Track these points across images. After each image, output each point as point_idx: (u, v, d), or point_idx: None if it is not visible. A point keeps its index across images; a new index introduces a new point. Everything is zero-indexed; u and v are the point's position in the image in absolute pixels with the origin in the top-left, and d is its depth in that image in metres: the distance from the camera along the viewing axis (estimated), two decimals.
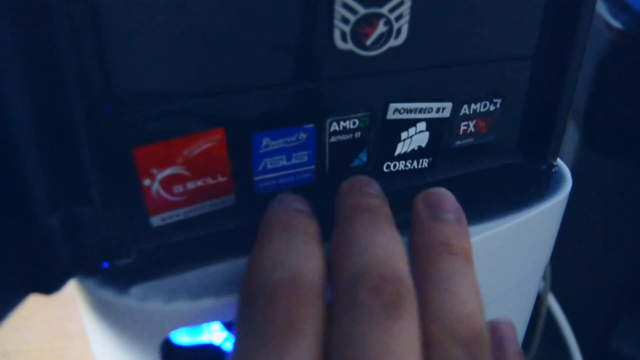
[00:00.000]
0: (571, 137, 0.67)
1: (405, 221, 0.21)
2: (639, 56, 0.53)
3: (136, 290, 0.19)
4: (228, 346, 0.21)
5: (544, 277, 0.53)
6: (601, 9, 0.58)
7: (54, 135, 0.17)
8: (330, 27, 0.20)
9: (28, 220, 0.17)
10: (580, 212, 0.69)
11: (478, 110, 0.25)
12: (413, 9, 0.21)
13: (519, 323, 0.32)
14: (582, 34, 0.25)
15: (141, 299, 0.18)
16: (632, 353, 0.68)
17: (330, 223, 0.19)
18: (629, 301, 0.65)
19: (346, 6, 0.19)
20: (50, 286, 0.18)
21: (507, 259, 0.25)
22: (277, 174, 0.22)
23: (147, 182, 0.19)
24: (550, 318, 0.57)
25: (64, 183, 0.17)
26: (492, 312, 0.27)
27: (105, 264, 0.19)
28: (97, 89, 0.17)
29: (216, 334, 0.21)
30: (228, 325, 0.21)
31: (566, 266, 0.72)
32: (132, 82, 0.17)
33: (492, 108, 0.25)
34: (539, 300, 0.53)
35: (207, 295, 0.19)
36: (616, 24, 0.54)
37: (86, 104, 0.17)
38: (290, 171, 0.22)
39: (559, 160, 0.28)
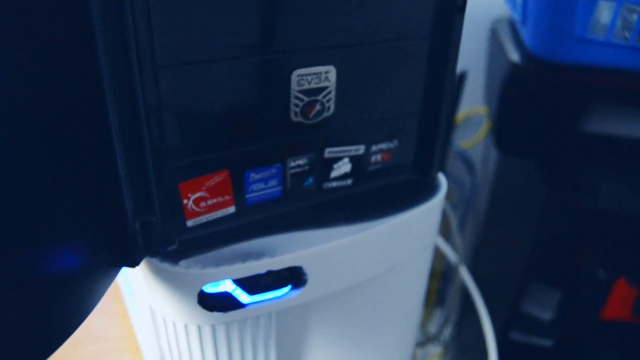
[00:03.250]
0: (493, 145, 0.83)
1: (336, 219, 0.36)
2: (530, 85, 0.67)
3: (183, 263, 0.33)
4: (236, 293, 0.35)
5: (456, 252, 0.69)
6: (507, 43, 0.73)
7: (140, 185, 0.31)
8: (288, 109, 0.34)
9: (124, 224, 0.31)
10: (495, 200, 0.86)
11: (382, 148, 0.40)
12: (336, 95, 0.35)
13: (419, 285, 0.47)
14: (446, 107, 0.40)
15: (186, 268, 0.33)
16: (539, 314, 0.85)
17: (290, 222, 0.34)
18: (535, 271, 0.81)
19: (297, 98, 0.34)
20: (133, 263, 0.32)
21: (403, 237, 0.41)
22: (259, 193, 0.36)
23: (185, 201, 0.33)
24: (465, 289, 0.73)
25: (142, 204, 0.32)
26: (396, 277, 0.42)
27: (162, 249, 0.34)
28: (164, 164, 0.31)
29: (229, 285, 0.35)
30: (235, 281, 0.35)
31: (483, 247, 0.89)
32: (180, 155, 0.32)
33: (392, 146, 0.41)
34: (453, 270, 0.68)
35: (223, 264, 0.33)
36: (513, 57, 0.68)
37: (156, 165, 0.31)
38: (266, 191, 0.36)
39: (440, 174, 0.44)
